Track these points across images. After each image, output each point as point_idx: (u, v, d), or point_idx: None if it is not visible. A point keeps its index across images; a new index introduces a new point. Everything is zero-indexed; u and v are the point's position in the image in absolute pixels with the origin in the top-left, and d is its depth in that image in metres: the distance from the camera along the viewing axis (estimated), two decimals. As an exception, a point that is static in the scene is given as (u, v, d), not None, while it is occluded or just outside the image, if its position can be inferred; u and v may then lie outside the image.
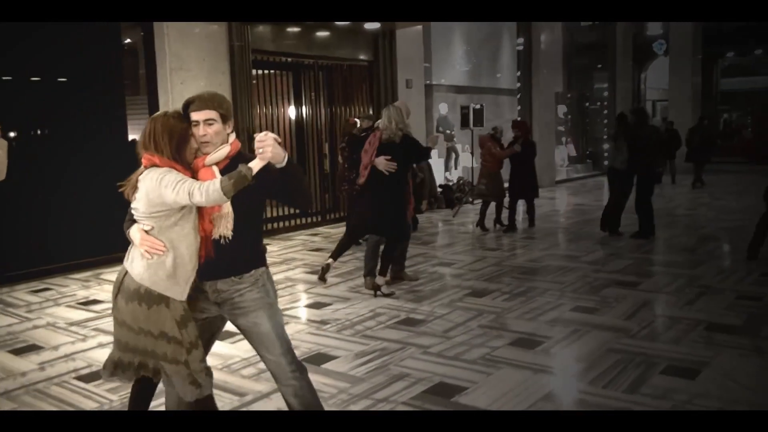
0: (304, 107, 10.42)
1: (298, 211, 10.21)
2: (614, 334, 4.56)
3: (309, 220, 10.30)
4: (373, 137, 5.75)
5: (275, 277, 6.47)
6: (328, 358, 4.27)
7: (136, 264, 2.62)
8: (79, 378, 4.08)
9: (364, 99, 11.17)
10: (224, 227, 2.64)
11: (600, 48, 19.99)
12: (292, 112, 10.53)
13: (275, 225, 9.58)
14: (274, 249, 8.23)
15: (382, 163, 5.53)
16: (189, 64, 8.25)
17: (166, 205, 2.54)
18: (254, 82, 9.75)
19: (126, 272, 2.66)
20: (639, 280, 6.00)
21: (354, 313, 5.26)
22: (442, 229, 9.46)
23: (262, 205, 2.81)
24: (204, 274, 2.67)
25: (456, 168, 14.56)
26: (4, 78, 6.96)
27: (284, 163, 2.56)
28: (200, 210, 2.63)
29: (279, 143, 2.53)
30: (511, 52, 16.36)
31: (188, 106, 2.66)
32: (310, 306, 5.55)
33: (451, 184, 13.05)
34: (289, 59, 9.88)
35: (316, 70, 10.33)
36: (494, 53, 16.15)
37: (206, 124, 2.62)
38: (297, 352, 4.29)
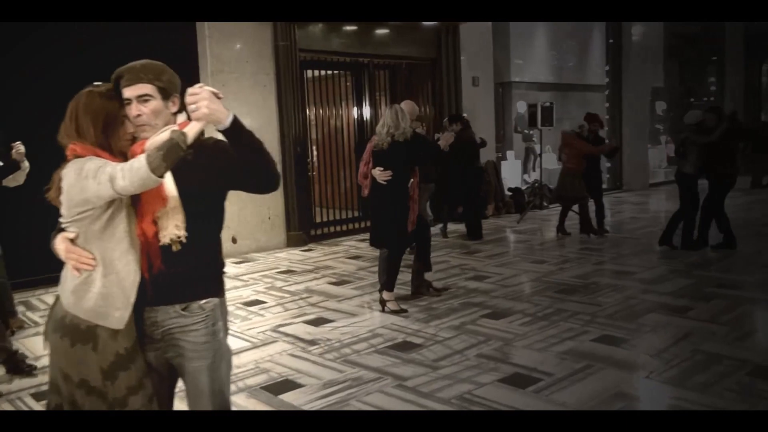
0: (363, 109, 10.04)
1: (349, 215, 9.93)
2: (631, 373, 3.85)
3: (362, 225, 9.94)
4: (369, 144, 5.31)
5: (296, 287, 6.24)
6: (292, 386, 3.87)
7: (66, 285, 2.12)
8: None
9: (428, 99, 10.66)
10: (173, 227, 2.07)
11: (710, 39, 18.30)
12: (351, 114, 10.15)
13: (322, 230, 9.29)
14: (312, 255, 7.94)
15: (377, 174, 5.15)
16: (231, 66, 8.09)
17: (90, 203, 2.01)
18: (312, 84, 9.58)
19: (58, 297, 2.17)
20: (692, 305, 5.15)
21: (351, 332, 4.82)
22: (499, 236, 8.77)
23: (220, 201, 2.23)
24: (140, 297, 2.08)
25: (534, 170, 13.71)
26: (32, 85, 7.08)
27: (228, 124, 2.02)
28: (138, 207, 2.09)
29: (219, 98, 2.04)
30: (602, 46, 15.24)
31: (118, 80, 2.12)
32: (309, 322, 5.16)
33: (526, 187, 12.27)
34: (345, 59, 9.53)
35: (372, 69, 9.93)
36: (583, 47, 15.10)
37: (140, 101, 2.09)
38: (263, 377, 3.97)
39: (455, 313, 5.21)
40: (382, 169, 5.08)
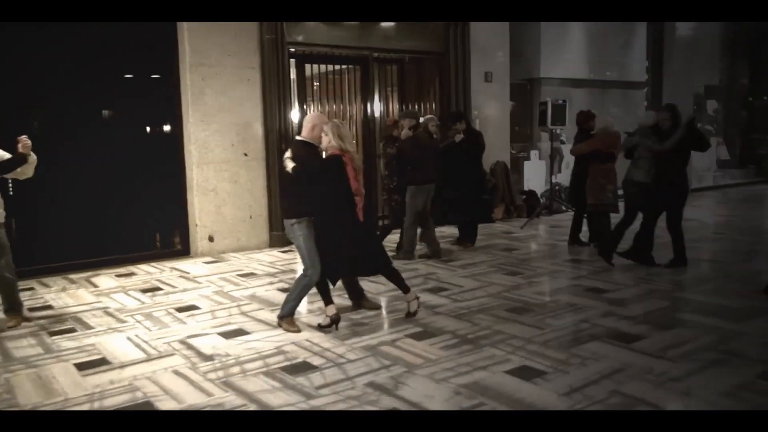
0: (370, 105, 9.62)
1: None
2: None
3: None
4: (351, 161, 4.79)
5: (242, 293, 5.92)
6: (149, 410, 3.54)
7: None
8: None
9: (435, 95, 10.16)
10: None
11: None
12: (357, 110, 9.73)
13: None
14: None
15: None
16: (212, 59, 7.85)
17: None
18: (314, 80, 9.27)
19: None
20: (647, 334, 4.53)
21: (256, 349, 4.46)
22: (491, 243, 8.19)
23: None
24: None
25: (561, 171, 12.94)
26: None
27: None
28: None
29: None
30: (645, 41, 14.28)
31: None
32: (225, 333, 4.82)
33: (544, 190, 11.57)
34: (347, 52, 9.15)
35: (374, 63, 9.50)
36: (625, 42, 14.17)
37: None
38: (125, 398, 3.67)
39: (381, 330, 4.78)
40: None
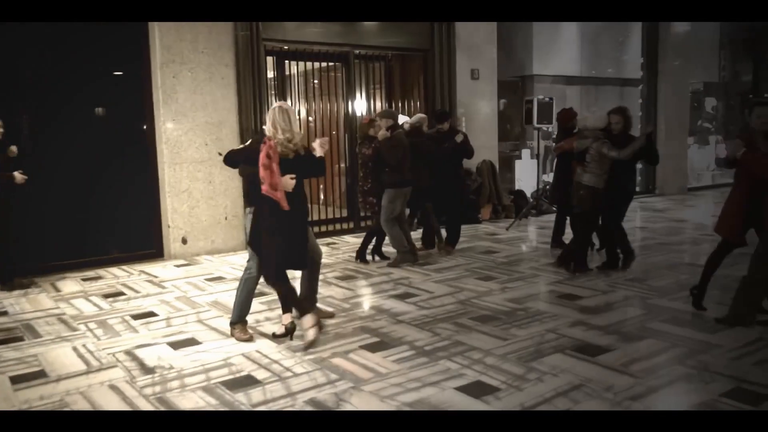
0: (353, 103, 9.40)
1: (335, 214, 9.34)
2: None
3: (345, 225, 9.36)
4: (270, 149, 4.40)
5: (205, 299, 5.71)
6: (70, 429, 3.34)
7: None
8: None
9: (420, 93, 9.93)
10: None
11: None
12: (340, 109, 9.49)
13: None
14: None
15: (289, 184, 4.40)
16: (183, 56, 7.64)
17: None
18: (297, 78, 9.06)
19: None
20: (614, 346, 4.30)
21: (204, 360, 4.26)
22: (471, 245, 7.96)
23: None
24: None
25: (552, 170, 12.68)
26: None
27: None
28: None
29: None
30: (640, 37, 14.00)
31: None
32: (174, 343, 4.62)
33: (534, 190, 11.32)
34: (328, 49, 8.93)
35: (355, 60, 9.27)
36: (620, 37, 13.90)
37: None
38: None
39: (337, 341, 4.56)
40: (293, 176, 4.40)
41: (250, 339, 4.59)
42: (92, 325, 5.10)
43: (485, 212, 9.97)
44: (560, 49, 13.05)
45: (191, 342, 4.63)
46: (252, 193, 4.58)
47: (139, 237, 7.87)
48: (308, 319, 4.41)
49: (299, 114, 9.04)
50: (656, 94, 13.10)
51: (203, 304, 5.62)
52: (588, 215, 6.16)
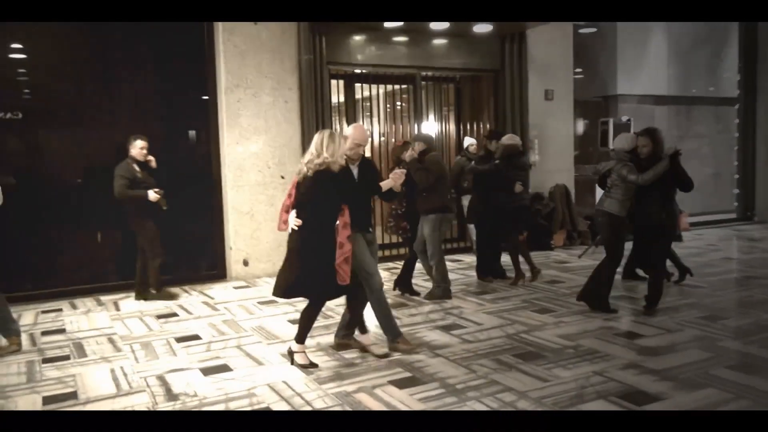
0: (415, 126, 9.28)
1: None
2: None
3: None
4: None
5: (252, 323, 5.69)
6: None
7: None
8: None
9: (490, 115, 9.66)
10: None
11: None
12: (412, 131, 9.35)
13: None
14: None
15: (291, 222, 4.48)
16: (248, 81, 7.76)
17: None
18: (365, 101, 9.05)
19: None
20: (669, 394, 3.86)
21: (229, 389, 4.18)
22: (543, 273, 7.53)
23: None
24: None
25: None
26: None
27: None
28: None
29: None
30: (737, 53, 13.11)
31: None
32: (207, 369, 4.57)
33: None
34: (388, 71, 8.86)
35: (422, 82, 9.14)
36: (715, 54, 13.07)
37: None
38: None
39: (368, 374, 4.37)
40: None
41: (412, 349, 4.77)
42: (136, 347, 5.17)
43: (558, 238, 9.51)
44: (648, 67, 12.41)
45: (223, 368, 4.58)
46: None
47: (203, 258, 8.03)
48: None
49: (371, 134, 9.02)
50: (755, 113, 12.16)
51: (247, 329, 5.59)
52: (610, 247, 5.66)
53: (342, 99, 9.02)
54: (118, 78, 7.48)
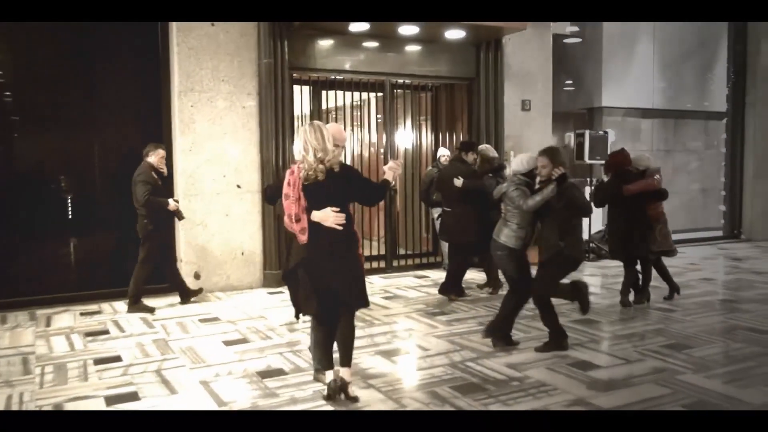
0: (395, 135, 8.92)
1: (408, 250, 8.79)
2: None
3: (376, 264, 8.76)
4: (292, 176, 3.89)
5: (180, 345, 5.19)
6: None
7: None
8: None
9: (463, 125, 9.27)
10: None
11: None
12: (381, 140, 8.96)
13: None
14: (278, 299, 6.96)
15: (332, 217, 3.83)
16: (203, 85, 7.37)
17: None
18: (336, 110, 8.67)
19: None
20: None
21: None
22: (502, 293, 7.09)
23: None
24: None
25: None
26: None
27: None
28: None
29: None
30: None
31: None
32: (112, 398, 4.14)
33: (595, 232, 10.33)
34: (355, 78, 8.47)
35: (388, 89, 8.73)
36: (706, 67, 12.71)
37: None
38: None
39: (288, 405, 3.95)
40: (337, 210, 3.83)
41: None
42: (49, 369, 4.75)
43: (533, 255, 9.06)
44: (634, 79, 12.04)
45: (130, 397, 4.15)
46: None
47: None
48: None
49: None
50: (743, 128, 11.79)
51: (176, 351, 5.17)
52: (513, 281, 5.13)
53: (308, 107, 8.63)
54: (67, 78, 7.13)
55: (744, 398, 3.96)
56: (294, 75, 7.97)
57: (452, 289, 6.93)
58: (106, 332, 5.77)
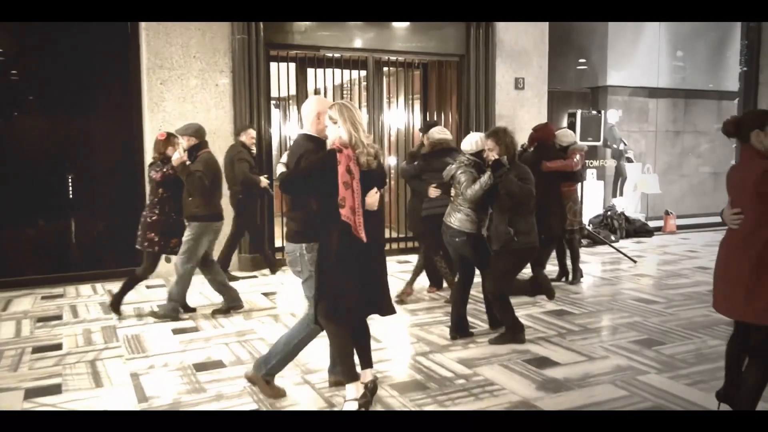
0: (384, 114, 8.60)
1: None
2: None
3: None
4: (349, 160, 3.32)
5: (126, 332, 4.99)
6: None
7: None
8: None
9: (452, 104, 8.91)
10: None
11: None
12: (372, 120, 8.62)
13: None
14: (251, 283, 6.71)
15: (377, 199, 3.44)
16: (173, 62, 7.11)
17: None
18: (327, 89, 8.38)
19: None
20: None
21: (37, 417, 3.55)
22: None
23: None
24: None
25: (622, 194, 11.17)
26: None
27: None
28: None
29: None
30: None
31: None
32: (34, 390, 3.94)
33: (594, 216, 9.96)
34: (336, 54, 8.14)
35: (371, 67, 8.39)
36: (717, 45, 12.14)
37: None
38: None
39: (207, 404, 3.71)
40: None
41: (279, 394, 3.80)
42: (-17, 357, 4.57)
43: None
44: (642, 58, 11.54)
45: (53, 390, 3.95)
46: (313, 223, 3.48)
47: (121, 253, 7.41)
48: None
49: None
50: (755, 107, 11.23)
51: (120, 339, 4.96)
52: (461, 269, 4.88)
53: (293, 87, 8.32)
54: (30, 55, 6.92)
55: (706, 404, 3.62)
56: (270, 52, 7.66)
57: (433, 282, 6.56)
58: (59, 317, 5.59)
